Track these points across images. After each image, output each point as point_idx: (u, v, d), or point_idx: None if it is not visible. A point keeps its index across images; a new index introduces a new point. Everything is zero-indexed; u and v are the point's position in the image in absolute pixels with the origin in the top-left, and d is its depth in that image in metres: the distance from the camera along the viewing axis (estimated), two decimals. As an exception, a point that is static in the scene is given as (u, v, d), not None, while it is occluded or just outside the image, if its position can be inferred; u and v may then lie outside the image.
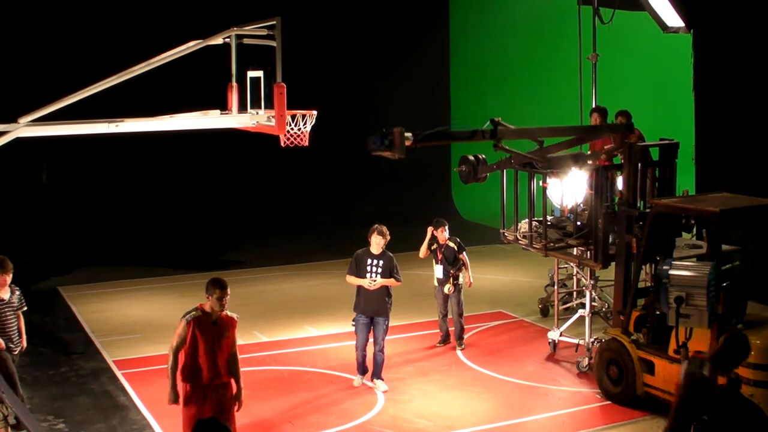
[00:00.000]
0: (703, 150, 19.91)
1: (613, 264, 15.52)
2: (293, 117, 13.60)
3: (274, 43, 13.47)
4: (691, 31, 19.94)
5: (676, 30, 20.23)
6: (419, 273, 20.28)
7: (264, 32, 13.64)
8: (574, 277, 18.96)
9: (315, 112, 13.87)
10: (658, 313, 13.46)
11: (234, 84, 14.06)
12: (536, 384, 15.50)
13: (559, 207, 16.83)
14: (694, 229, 14.97)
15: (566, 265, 18.74)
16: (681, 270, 11.75)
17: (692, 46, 19.99)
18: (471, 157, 16.04)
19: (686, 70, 20.22)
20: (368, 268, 15.14)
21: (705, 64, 19.75)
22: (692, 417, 9.44)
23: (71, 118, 12.80)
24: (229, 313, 11.61)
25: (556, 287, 18.18)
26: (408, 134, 13.45)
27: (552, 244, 16.36)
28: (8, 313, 13.44)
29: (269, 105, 13.55)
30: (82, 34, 26.43)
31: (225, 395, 11.43)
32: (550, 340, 17.15)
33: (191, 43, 13.67)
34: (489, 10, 32.60)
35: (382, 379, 15.32)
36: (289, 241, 28.32)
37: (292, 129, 13.56)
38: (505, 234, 17.19)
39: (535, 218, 16.46)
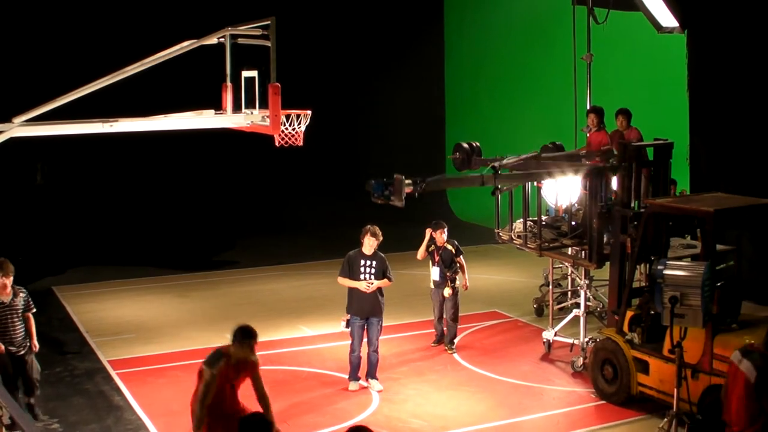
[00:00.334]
0: (697, 150, 19.94)
1: (607, 264, 15.52)
2: (288, 117, 13.60)
3: (268, 43, 13.48)
4: (686, 31, 19.98)
5: (671, 30, 20.26)
6: (414, 273, 20.30)
7: (258, 32, 13.65)
8: (569, 277, 18.96)
9: (309, 112, 13.86)
10: (652, 312, 13.48)
11: (228, 84, 14.07)
12: (531, 384, 15.50)
13: (553, 207, 16.84)
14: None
15: (561, 265, 18.75)
16: (675, 270, 11.76)
17: (686, 46, 20.04)
18: (465, 145, 16.07)
19: (680, 70, 20.27)
20: (361, 270, 15.12)
21: (699, 64, 19.79)
22: None
23: (65, 118, 12.80)
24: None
25: (550, 287, 18.17)
26: (408, 182, 13.45)
27: (547, 244, 16.37)
28: (10, 317, 13.29)
29: (264, 105, 13.56)
30: (76, 34, 26.40)
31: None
32: (544, 340, 17.15)
33: (186, 43, 13.68)
34: (484, 10, 32.62)
35: (377, 379, 15.32)
36: (283, 241, 28.32)
37: (286, 129, 13.57)
38: (500, 234, 17.19)
39: (530, 218, 16.46)
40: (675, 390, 11.98)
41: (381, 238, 15.20)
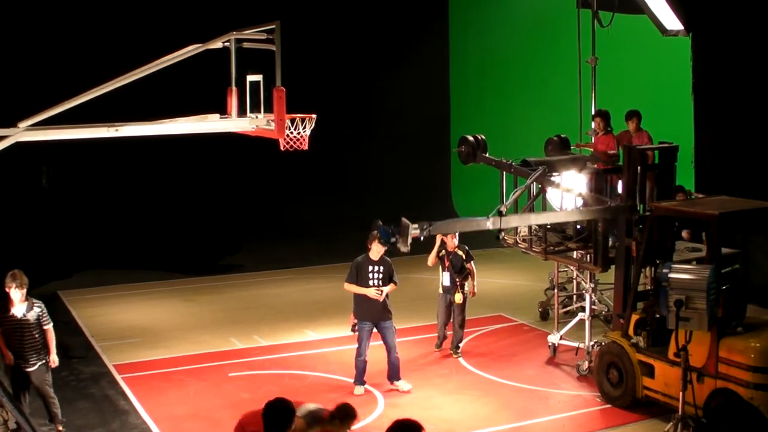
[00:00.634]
0: (702, 153, 19.93)
1: (612, 267, 15.52)
2: (293, 121, 13.59)
3: (273, 47, 13.46)
4: (690, 34, 19.97)
5: (675, 33, 20.25)
6: (419, 276, 20.32)
7: (263, 36, 13.63)
8: (574, 281, 18.97)
9: (314, 116, 13.85)
10: (657, 316, 13.46)
11: (234, 88, 14.05)
12: (536, 387, 15.50)
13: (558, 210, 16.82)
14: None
15: (566, 269, 18.76)
16: (681, 273, 11.76)
17: (691, 49, 20.02)
18: (470, 138, 16.05)
19: (685, 73, 20.25)
20: (370, 275, 15.17)
21: (704, 67, 19.78)
22: None
23: (71, 123, 12.78)
24: None
25: (556, 291, 18.17)
26: (414, 226, 13.52)
27: (552, 248, 16.35)
28: (20, 331, 13.05)
29: (269, 109, 13.55)
30: (81, 38, 26.42)
31: None
32: (550, 344, 17.15)
33: (191, 48, 13.67)
34: (488, 13, 32.59)
35: (401, 379, 15.45)
36: (289, 245, 28.33)
37: (291, 133, 13.55)
38: (505, 237, 17.17)
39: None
40: (680, 393, 11.99)
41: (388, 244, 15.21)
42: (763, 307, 14.77)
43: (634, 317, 14.33)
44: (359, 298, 15.23)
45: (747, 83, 19.08)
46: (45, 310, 13.37)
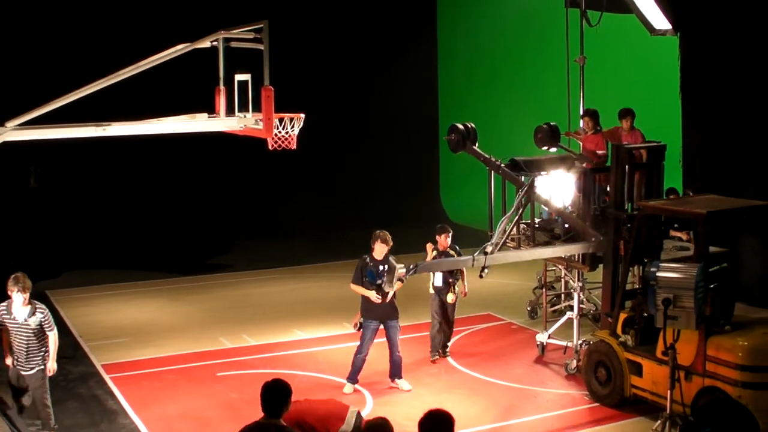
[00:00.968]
0: (690, 152, 19.97)
1: (600, 266, 15.55)
2: (281, 120, 13.59)
3: (261, 47, 13.46)
4: (678, 33, 20.00)
5: (663, 32, 20.29)
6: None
7: (251, 35, 13.63)
8: (562, 280, 18.99)
9: (302, 116, 13.86)
10: (645, 314, 13.48)
11: (222, 87, 14.05)
12: (525, 386, 15.52)
13: (546, 209, 16.84)
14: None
15: (554, 268, 18.77)
16: (668, 272, 11.79)
17: (679, 48, 20.05)
18: (460, 126, 16.05)
19: (673, 72, 20.28)
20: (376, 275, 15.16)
21: (692, 67, 19.82)
22: None
23: (59, 122, 12.77)
24: None
25: (544, 290, 18.20)
26: (401, 266, 13.71)
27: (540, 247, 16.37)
28: (19, 335, 12.87)
29: (257, 108, 13.55)
30: (69, 37, 26.35)
31: None
32: (538, 343, 17.17)
33: (179, 47, 13.66)
34: (477, 13, 32.60)
35: (403, 378, 15.54)
36: (278, 244, 28.30)
37: (279, 132, 13.56)
38: (494, 236, 17.17)
39: (523, 221, 16.45)
40: (668, 392, 12.02)
41: (391, 244, 15.23)
42: (752, 306, 14.82)
43: (622, 316, 14.35)
44: (367, 297, 15.22)
45: (735, 82, 19.12)
46: (48, 316, 13.10)
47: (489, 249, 14.77)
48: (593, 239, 15.34)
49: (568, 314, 16.98)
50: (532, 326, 18.69)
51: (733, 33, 19.01)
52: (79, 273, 24.58)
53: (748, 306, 14.87)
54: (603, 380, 14.44)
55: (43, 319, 12.98)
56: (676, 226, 15.80)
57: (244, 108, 13.81)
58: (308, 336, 18.59)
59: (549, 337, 17.06)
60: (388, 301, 15.11)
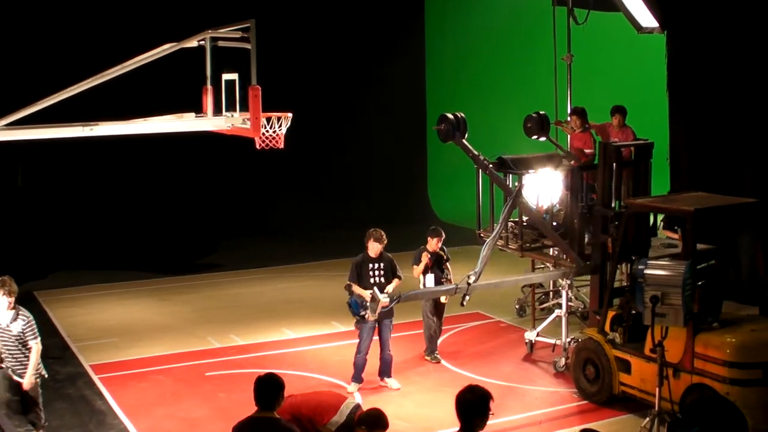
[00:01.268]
0: (677, 150, 20.00)
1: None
2: (268, 119, 13.58)
3: (248, 46, 13.45)
4: (665, 31, 20.03)
5: (651, 30, 20.32)
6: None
7: (239, 35, 13.62)
8: (550, 278, 19.01)
9: (290, 115, 13.84)
10: (633, 312, 13.51)
11: (209, 87, 14.04)
12: (513, 384, 15.53)
13: (534, 207, 16.85)
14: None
15: (542, 266, 18.78)
16: (656, 269, 11.81)
17: (666, 46, 20.09)
18: (450, 116, 16.05)
19: (660, 70, 20.31)
20: (370, 273, 15.16)
21: (679, 65, 19.85)
22: None
23: (46, 122, 12.75)
24: None
25: (532, 288, 18.20)
26: (384, 297, 13.78)
27: (528, 245, 16.41)
28: (3, 339, 12.54)
29: (244, 108, 13.54)
30: (56, 37, 26.28)
31: None
32: (527, 341, 17.19)
33: (166, 46, 13.65)
34: (464, 11, 32.62)
35: (392, 377, 15.57)
36: (266, 244, 28.27)
37: (267, 131, 13.55)
38: (482, 235, 17.19)
39: (512, 219, 16.47)
40: (657, 389, 12.03)
41: (386, 242, 15.22)
42: (740, 303, 14.85)
43: (611, 313, 14.38)
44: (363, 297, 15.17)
45: (722, 80, 19.15)
46: (32, 325, 12.66)
47: (471, 279, 14.92)
48: (575, 265, 15.53)
49: (557, 312, 16.99)
50: (521, 324, 18.71)
51: (720, 31, 19.05)
52: (66, 273, 24.54)
53: (736, 303, 14.88)
54: (591, 378, 14.46)
55: (25, 327, 12.55)
56: (676, 228, 15.80)
57: (231, 107, 13.81)
58: (297, 335, 18.58)
59: (537, 335, 17.08)
60: (387, 306, 15.04)
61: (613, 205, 15.26)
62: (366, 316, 14.50)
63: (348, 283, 14.86)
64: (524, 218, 16.56)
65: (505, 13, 30.65)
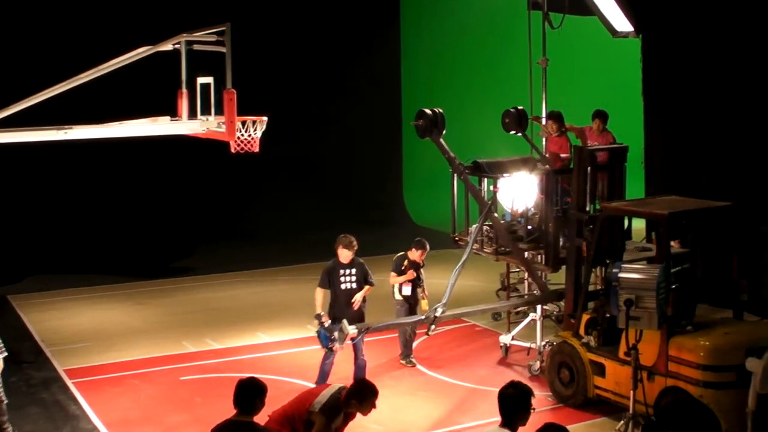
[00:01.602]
0: (652, 153, 20.06)
1: (563, 268, 15.60)
2: (243, 123, 13.57)
3: (224, 49, 13.44)
4: (640, 35, 20.08)
5: (626, 34, 20.36)
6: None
7: (214, 38, 13.61)
8: (526, 281, 19.01)
9: (265, 119, 13.84)
10: (608, 315, 13.54)
11: (184, 90, 14.02)
12: (488, 388, 15.52)
13: (509, 211, 16.88)
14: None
15: (517, 269, 18.81)
16: (630, 273, 11.86)
17: (641, 50, 20.14)
18: (429, 111, 16.05)
19: (635, 74, 20.36)
20: (341, 279, 15.05)
21: (654, 69, 19.90)
22: None
23: (20, 125, 12.70)
24: None
25: (507, 291, 18.23)
26: (352, 328, 13.82)
27: (503, 249, 16.41)
28: None
29: (219, 111, 13.53)
30: (29, 40, 26.18)
31: None
32: (501, 344, 17.21)
33: (141, 50, 13.63)
34: (440, 15, 32.68)
35: None
36: (241, 247, 28.17)
37: (242, 135, 13.54)
38: (457, 239, 17.22)
39: (486, 222, 16.49)
40: (631, 392, 12.07)
41: (356, 248, 15.12)
42: (714, 306, 14.91)
43: (585, 317, 14.42)
44: (333, 300, 15.11)
45: (697, 84, 19.21)
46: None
47: (439, 312, 15.01)
48: (543, 292, 15.91)
49: (532, 316, 17.02)
50: (496, 328, 18.73)
51: (696, 35, 19.11)
52: (40, 277, 24.41)
53: (710, 306, 14.94)
54: (566, 381, 14.50)
55: None
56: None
57: (206, 111, 13.80)
58: (272, 339, 18.55)
59: (512, 339, 17.11)
60: (356, 309, 15.06)
61: (588, 209, 15.29)
62: (333, 348, 14.48)
63: (318, 313, 14.69)
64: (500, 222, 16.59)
65: (481, 17, 30.75)
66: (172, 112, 14.26)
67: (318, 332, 14.50)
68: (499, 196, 16.40)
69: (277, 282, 23.44)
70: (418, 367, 16.70)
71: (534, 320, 16.62)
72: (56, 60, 21.44)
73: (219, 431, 9.09)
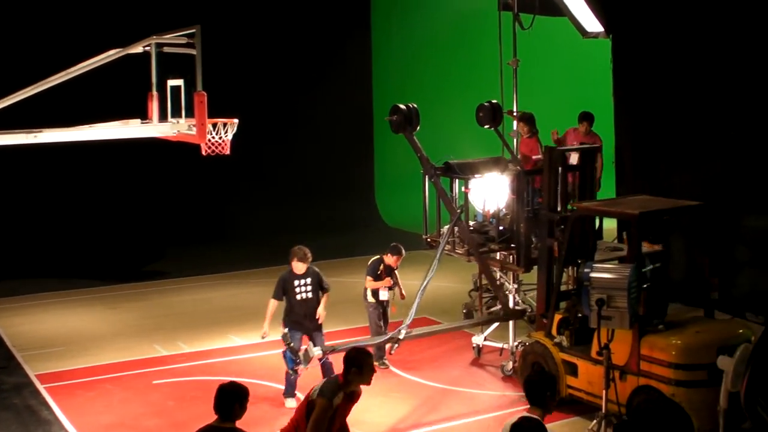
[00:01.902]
0: (623, 153, 20.14)
1: (535, 268, 15.64)
2: (214, 125, 13.56)
3: (194, 52, 13.43)
4: (610, 36, 20.16)
5: (596, 35, 20.46)
6: (342, 280, 20.24)
7: (184, 40, 13.60)
8: (498, 282, 19.04)
9: (236, 121, 13.82)
10: (580, 315, 13.59)
11: (154, 93, 13.99)
12: (461, 389, 15.56)
13: (481, 212, 16.91)
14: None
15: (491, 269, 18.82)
16: (602, 272, 11.88)
17: (611, 50, 20.22)
18: (403, 107, 16.05)
19: (606, 74, 20.44)
20: (297, 290, 14.94)
21: (624, 69, 19.99)
22: None
23: (-12, 129, 12.65)
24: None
25: (480, 292, 18.24)
26: (317, 350, 13.93)
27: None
28: None
29: (190, 114, 13.51)
30: (-1, 43, 26.10)
31: None
32: (474, 345, 17.23)
33: (111, 52, 13.60)
34: (410, 16, 32.70)
35: None
36: (214, 251, 28.10)
37: (213, 137, 13.52)
38: (428, 240, 17.23)
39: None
40: (603, 392, 12.09)
41: (310, 258, 14.96)
42: (685, 305, 14.98)
43: (557, 317, 14.46)
44: (289, 310, 15.02)
45: (667, 84, 19.30)
46: None
47: (402, 335, 15.17)
48: (504, 309, 16.10)
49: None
50: (468, 329, 18.73)
51: (665, 35, 19.20)
52: (11, 282, 24.22)
53: (681, 305, 15.00)
54: (539, 381, 14.52)
55: None
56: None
57: (177, 114, 13.78)
58: (244, 342, 18.50)
59: (485, 339, 17.12)
60: (320, 320, 15.03)
61: (559, 209, 15.33)
62: (298, 370, 14.48)
63: (284, 332, 14.63)
64: (470, 223, 16.61)
65: (452, 18, 30.76)
66: (143, 115, 14.23)
67: (284, 353, 14.47)
68: (471, 197, 16.43)
69: (248, 285, 23.37)
70: (391, 368, 16.69)
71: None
72: (26, 63, 21.36)
73: None
